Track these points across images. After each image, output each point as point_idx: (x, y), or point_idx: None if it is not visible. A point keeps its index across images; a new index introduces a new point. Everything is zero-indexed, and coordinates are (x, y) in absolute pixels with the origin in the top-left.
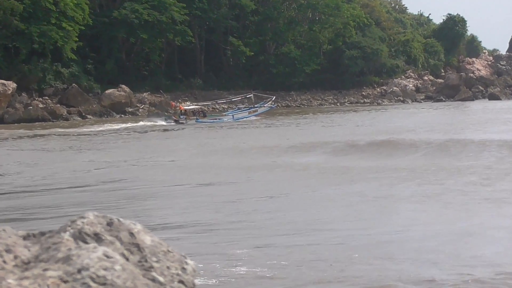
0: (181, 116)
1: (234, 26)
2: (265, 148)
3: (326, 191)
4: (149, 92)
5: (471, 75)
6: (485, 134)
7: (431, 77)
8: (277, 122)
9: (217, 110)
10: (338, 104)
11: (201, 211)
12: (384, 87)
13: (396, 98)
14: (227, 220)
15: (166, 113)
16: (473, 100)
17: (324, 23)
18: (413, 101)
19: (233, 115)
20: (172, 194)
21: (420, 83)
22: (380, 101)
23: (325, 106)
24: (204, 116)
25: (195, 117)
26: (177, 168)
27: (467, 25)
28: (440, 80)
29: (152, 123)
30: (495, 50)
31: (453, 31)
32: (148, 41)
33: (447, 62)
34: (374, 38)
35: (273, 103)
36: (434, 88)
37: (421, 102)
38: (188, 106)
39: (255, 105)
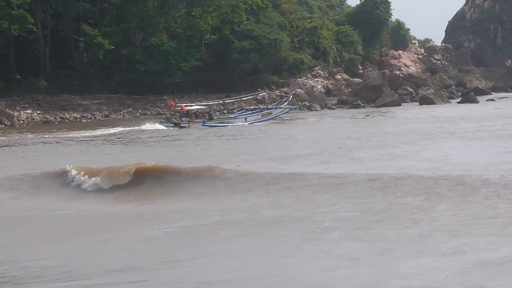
0: (183, 119)
1: (88, 11)
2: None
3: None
4: None
5: (397, 72)
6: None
7: (345, 76)
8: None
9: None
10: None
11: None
12: (285, 89)
13: (300, 104)
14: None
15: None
16: (399, 105)
17: (207, 6)
18: (322, 108)
19: (245, 118)
20: None
21: (332, 84)
22: None
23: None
24: (211, 118)
25: (200, 120)
26: None
27: (392, 7)
28: (357, 80)
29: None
30: (427, 40)
31: (373, 15)
32: None
33: (366, 56)
34: (272, 25)
35: (291, 104)
36: (349, 90)
37: (333, 108)
38: (191, 106)
39: (269, 107)
